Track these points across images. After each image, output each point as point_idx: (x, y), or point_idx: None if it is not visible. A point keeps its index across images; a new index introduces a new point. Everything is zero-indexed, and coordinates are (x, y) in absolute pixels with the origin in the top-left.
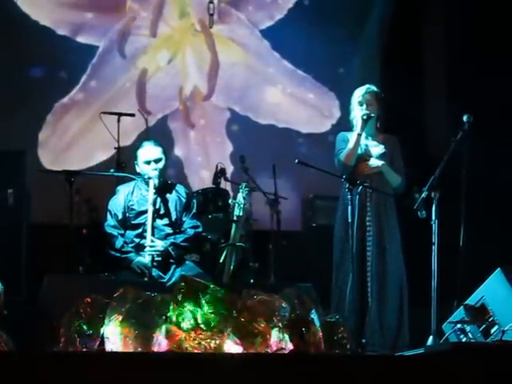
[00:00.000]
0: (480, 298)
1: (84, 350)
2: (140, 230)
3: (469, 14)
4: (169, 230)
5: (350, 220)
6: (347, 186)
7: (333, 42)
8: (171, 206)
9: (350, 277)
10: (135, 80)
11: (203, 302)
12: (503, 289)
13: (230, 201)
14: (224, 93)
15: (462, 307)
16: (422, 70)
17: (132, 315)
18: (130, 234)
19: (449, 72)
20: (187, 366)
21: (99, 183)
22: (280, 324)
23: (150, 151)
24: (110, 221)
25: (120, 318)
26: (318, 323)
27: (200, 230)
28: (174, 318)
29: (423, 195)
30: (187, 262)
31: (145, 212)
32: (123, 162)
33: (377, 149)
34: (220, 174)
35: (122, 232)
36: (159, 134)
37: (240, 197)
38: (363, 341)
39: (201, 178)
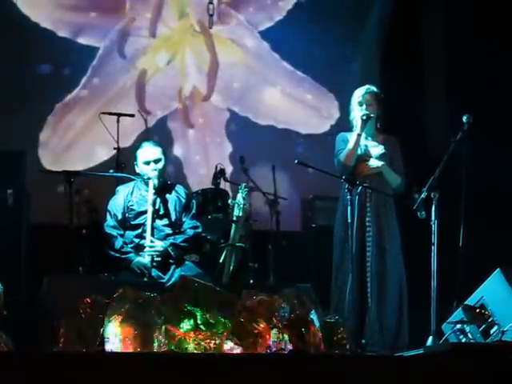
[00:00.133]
0: (479, 298)
1: (84, 350)
2: (140, 231)
3: (468, 14)
4: (168, 231)
5: (349, 220)
6: (347, 186)
7: (332, 43)
8: (171, 206)
9: (349, 277)
10: (135, 80)
11: (203, 302)
12: (503, 289)
13: (229, 201)
14: (223, 93)
15: (460, 308)
16: (421, 70)
17: (132, 315)
18: (130, 234)
19: (448, 72)
20: (187, 367)
21: (99, 184)
22: (279, 324)
23: (149, 151)
24: (110, 221)
25: (120, 318)
26: (317, 324)
27: (199, 230)
28: (173, 319)
29: (423, 195)
30: (187, 262)
31: (144, 212)
32: (123, 163)
33: (376, 149)
34: (219, 174)
35: (122, 232)
36: (159, 134)
37: (239, 197)
38: (363, 341)
39: (200, 179)
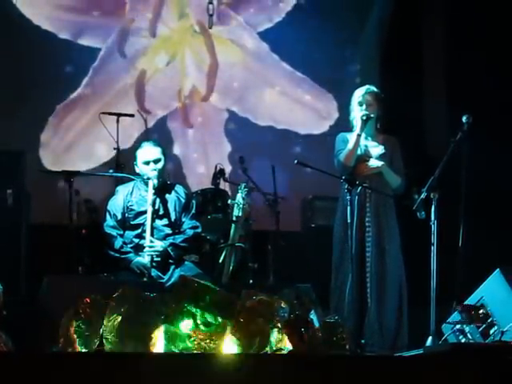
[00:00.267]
0: (479, 298)
1: (83, 350)
2: (139, 231)
3: (468, 15)
4: (168, 231)
5: (349, 221)
6: (346, 186)
7: (331, 44)
8: (170, 206)
9: (349, 277)
10: (135, 81)
11: (202, 302)
12: (502, 289)
13: (229, 201)
14: (223, 93)
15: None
16: (421, 71)
17: (131, 315)
18: (130, 234)
19: (448, 73)
20: (187, 367)
21: (99, 184)
22: (279, 324)
23: (149, 151)
24: (110, 221)
25: (119, 318)
26: (317, 324)
27: (199, 230)
28: (173, 319)
29: (422, 196)
30: (186, 262)
31: (144, 212)
32: (122, 163)
33: (376, 149)
34: (219, 174)
35: (121, 232)
36: (158, 134)
37: (239, 197)
38: (362, 341)
39: (199, 178)
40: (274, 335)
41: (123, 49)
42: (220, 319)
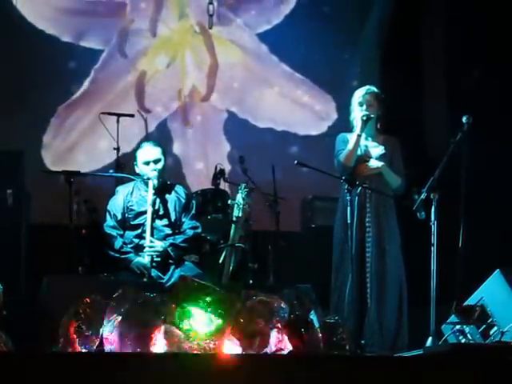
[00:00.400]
0: (479, 299)
1: (83, 350)
2: (139, 231)
3: (468, 15)
4: (168, 231)
5: (349, 221)
6: (346, 186)
7: (331, 45)
8: (170, 206)
9: (349, 278)
10: (135, 81)
11: (202, 302)
12: (502, 290)
13: (229, 201)
14: (222, 94)
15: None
16: (421, 71)
17: (131, 315)
18: (130, 234)
19: (448, 73)
20: (186, 367)
21: (99, 184)
22: (279, 325)
23: (149, 152)
24: (110, 221)
25: (119, 318)
26: (317, 324)
27: (199, 230)
28: (173, 319)
29: (422, 196)
30: (186, 262)
31: (144, 213)
32: (123, 163)
33: (377, 150)
34: (219, 174)
35: (121, 232)
36: (158, 133)
37: (239, 197)
38: (362, 342)
39: (199, 179)
40: (274, 335)
41: (124, 49)
42: (220, 319)
